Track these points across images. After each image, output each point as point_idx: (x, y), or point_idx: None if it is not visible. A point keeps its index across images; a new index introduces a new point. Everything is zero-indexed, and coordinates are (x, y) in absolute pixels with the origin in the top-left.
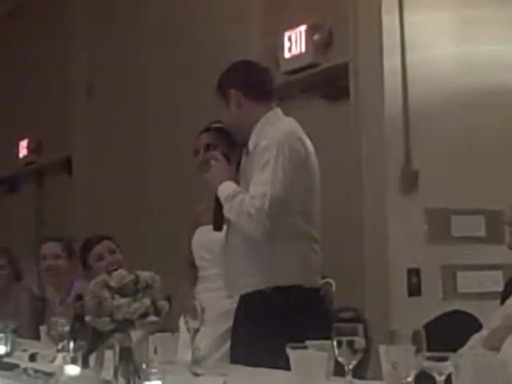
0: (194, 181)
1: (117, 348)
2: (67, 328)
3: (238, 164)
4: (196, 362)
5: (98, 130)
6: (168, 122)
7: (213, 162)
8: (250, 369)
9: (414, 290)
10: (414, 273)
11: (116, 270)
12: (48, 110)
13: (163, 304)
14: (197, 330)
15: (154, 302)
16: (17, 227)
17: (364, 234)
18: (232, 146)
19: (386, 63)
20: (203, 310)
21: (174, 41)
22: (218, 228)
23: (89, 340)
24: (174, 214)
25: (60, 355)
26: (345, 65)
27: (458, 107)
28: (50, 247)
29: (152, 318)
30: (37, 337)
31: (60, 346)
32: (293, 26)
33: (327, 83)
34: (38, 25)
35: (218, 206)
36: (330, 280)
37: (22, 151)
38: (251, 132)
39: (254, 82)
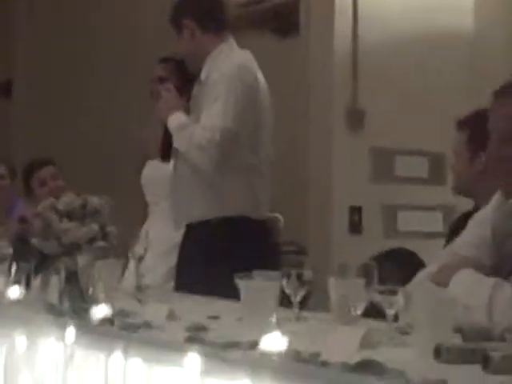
0: (140, 107)
1: (63, 272)
2: (8, 250)
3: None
4: (140, 289)
5: (39, 52)
6: (113, 41)
7: (163, 92)
8: (195, 297)
9: (356, 228)
10: (355, 210)
11: (58, 197)
12: None
13: (111, 230)
14: (141, 257)
15: (102, 228)
16: None
17: (309, 170)
18: (185, 78)
19: (338, 0)
20: (147, 234)
21: None
22: (165, 158)
23: (34, 263)
24: (119, 141)
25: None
26: (295, 0)
27: (406, 48)
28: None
29: (100, 243)
30: None
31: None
32: None
33: (277, 18)
34: None
35: (166, 137)
36: (278, 214)
37: None
38: (204, 62)
39: (208, 12)
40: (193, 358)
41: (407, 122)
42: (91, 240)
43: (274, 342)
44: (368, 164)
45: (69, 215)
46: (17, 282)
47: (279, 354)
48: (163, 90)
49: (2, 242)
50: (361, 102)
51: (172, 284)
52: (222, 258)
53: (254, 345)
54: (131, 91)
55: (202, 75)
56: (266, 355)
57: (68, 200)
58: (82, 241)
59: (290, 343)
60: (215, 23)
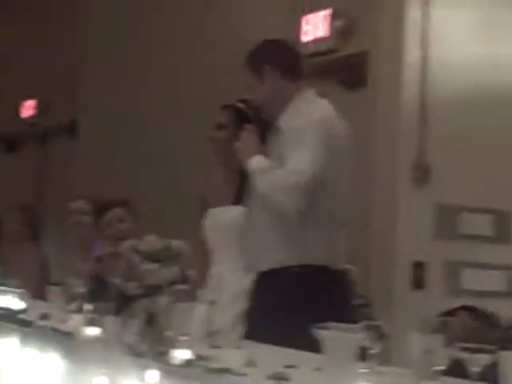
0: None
1: (142, 314)
2: (82, 289)
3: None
4: (211, 334)
5: (105, 93)
6: (176, 83)
7: (244, 133)
8: (267, 346)
9: (418, 284)
10: (419, 266)
11: (123, 239)
12: (56, 71)
13: (191, 273)
14: (214, 302)
15: (182, 271)
16: (15, 188)
17: (373, 224)
18: (242, 126)
19: (407, 55)
20: (219, 281)
21: (192, 14)
22: (237, 202)
23: (114, 303)
24: (186, 179)
25: (74, 316)
26: (365, 53)
27: (475, 105)
28: (78, 204)
29: (180, 286)
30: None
31: (73, 306)
32: (315, 9)
33: (345, 70)
34: None
35: (242, 180)
36: (351, 266)
37: (27, 111)
38: (283, 110)
39: (289, 60)
40: None
41: (473, 179)
42: (172, 283)
43: None
44: (432, 220)
45: (150, 257)
46: (92, 321)
47: None
48: (245, 131)
49: (79, 280)
50: (427, 156)
51: (239, 331)
52: (300, 307)
53: None
54: (194, 136)
55: (282, 123)
56: None
57: (150, 242)
58: (162, 283)
59: None
60: (295, 72)
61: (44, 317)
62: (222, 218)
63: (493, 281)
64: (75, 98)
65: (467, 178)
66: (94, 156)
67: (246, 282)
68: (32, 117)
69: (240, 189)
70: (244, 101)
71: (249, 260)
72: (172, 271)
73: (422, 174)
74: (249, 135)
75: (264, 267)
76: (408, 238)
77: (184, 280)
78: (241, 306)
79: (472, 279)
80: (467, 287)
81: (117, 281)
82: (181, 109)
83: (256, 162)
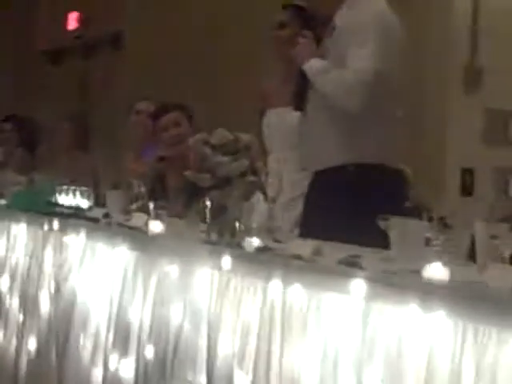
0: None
1: (213, 205)
2: (143, 188)
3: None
4: (271, 231)
5: (150, 4)
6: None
7: (301, 38)
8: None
9: (467, 190)
10: (467, 173)
11: (176, 143)
12: None
13: (260, 165)
14: (274, 200)
15: (251, 163)
16: (60, 100)
17: (423, 129)
18: (304, 26)
19: None
20: (281, 178)
21: None
22: (299, 108)
23: (186, 195)
24: (239, 89)
25: (138, 214)
26: None
27: None
28: (144, 104)
29: (250, 177)
30: None
31: (134, 205)
32: None
33: None
34: None
35: (302, 85)
36: (406, 167)
37: (71, 24)
38: (338, 7)
39: None
40: (357, 283)
41: None
42: (242, 174)
43: (437, 271)
44: (482, 125)
45: (221, 150)
46: (157, 217)
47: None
48: (300, 36)
49: (139, 180)
50: (479, 60)
51: (297, 230)
52: (357, 204)
53: (416, 272)
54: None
55: (338, 20)
56: (435, 281)
57: (220, 135)
58: (234, 175)
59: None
60: None
61: (107, 216)
62: (280, 119)
63: None
64: (119, 9)
65: None
66: (139, 67)
67: (304, 184)
68: (76, 29)
69: (299, 89)
70: (284, 6)
71: (307, 159)
72: (242, 163)
73: (473, 77)
74: (305, 40)
75: (322, 166)
76: (458, 144)
77: (254, 172)
78: (299, 207)
79: None
80: None
81: (188, 173)
82: (232, 11)
83: (313, 65)
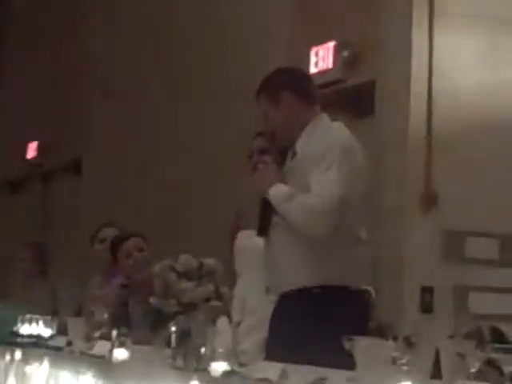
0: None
1: (177, 330)
2: (106, 315)
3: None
4: (236, 354)
5: (110, 132)
6: (185, 123)
7: (260, 165)
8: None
9: (427, 308)
10: (427, 291)
11: (143, 268)
12: (59, 112)
13: (225, 290)
14: (239, 323)
15: (216, 288)
16: (22, 229)
17: (381, 250)
18: (281, 148)
19: (413, 85)
20: (244, 302)
21: (199, 45)
22: (263, 234)
23: (151, 321)
24: (196, 213)
25: (100, 342)
26: (371, 83)
27: (480, 133)
28: (109, 231)
29: (214, 302)
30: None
31: (97, 333)
32: (321, 41)
33: (352, 100)
34: (52, 24)
35: (265, 212)
36: (369, 288)
37: (31, 153)
38: (299, 135)
39: (305, 85)
40: None
41: (479, 204)
42: (207, 299)
43: None
44: (440, 245)
45: (186, 275)
46: (122, 343)
47: None
48: (260, 163)
49: (102, 308)
50: (434, 183)
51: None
52: (322, 326)
53: None
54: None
55: (299, 148)
56: None
57: (185, 261)
58: (199, 300)
59: None
60: (311, 95)
61: (70, 344)
62: (250, 241)
63: (501, 304)
64: (78, 137)
65: (473, 203)
66: (98, 192)
67: (271, 307)
68: (35, 157)
69: (262, 215)
70: (260, 134)
71: (271, 282)
72: (206, 288)
73: (428, 200)
74: (266, 167)
75: (286, 288)
76: (416, 263)
77: (218, 296)
78: (265, 330)
79: (480, 303)
80: (475, 311)
81: (153, 300)
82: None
83: (277, 191)
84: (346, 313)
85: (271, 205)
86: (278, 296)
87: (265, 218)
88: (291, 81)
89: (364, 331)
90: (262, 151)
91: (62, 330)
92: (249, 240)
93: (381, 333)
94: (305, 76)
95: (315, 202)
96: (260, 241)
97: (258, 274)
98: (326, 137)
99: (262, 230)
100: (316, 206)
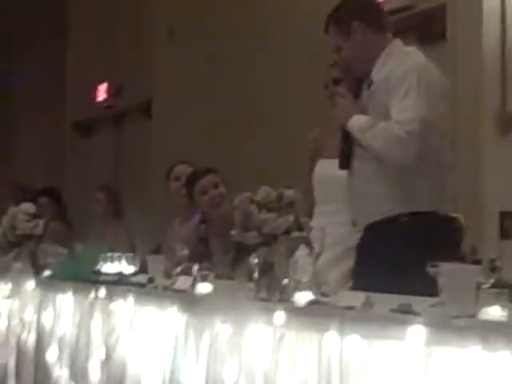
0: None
1: (260, 262)
2: (186, 251)
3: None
4: (317, 285)
5: (178, 74)
6: (250, 62)
7: (338, 98)
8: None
9: (507, 233)
10: (506, 216)
11: (218, 204)
12: (128, 53)
13: (306, 220)
14: (319, 255)
15: (296, 219)
16: (95, 171)
17: (458, 175)
18: (357, 79)
19: (485, 5)
20: (324, 232)
21: None
22: (345, 166)
23: (233, 254)
24: (260, 158)
25: (182, 277)
26: (442, 7)
27: None
28: (183, 169)
29: (295, 233)
30: None
31: (178, 269)
32: None
33: (423, 25)
34: None
35: (346, 144)
36: (458, 215)
37: (101, 95)
38: (373, 64)
39: (375, 14)
40: (416, 329)
41: None
42: (287, 231)
43: (495, 313)
44: None
45: (267, 207)
46: (203, 278)
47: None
48: (337, 96)
49: (181, 244)
50: (510, 104)
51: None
52: (412, 255)
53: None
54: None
55: (374, 76)
56: (497, 322)
57: (265, 193)
58: (279, 231)
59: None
60: (382, 24)
61: (151, 280)
62: (331, 171)
63: None
64: (148, 78)
65: None
66: (169, 135)
67: (354, 237)
68: (106, 100)
69: (344, 148)
70: (333, 64)
71: (357, 212)
72: (287, 220)
73: (506, 123)
74: (342, 100)
75: (373, 218)
76: (495, 187)
77: (299, 227)
78: (349, 262)
79: None
80: None
81: (234, 232)
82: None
83: (356, 122)
84: (436, 239)
85: (352, 137)
86: (365, 226)
87: (346, 150)
88: (361, 11)
89: (456, 256)
90: (337, 81)
91: (142, 268)
92: (329, 169)
93: (473, 259)
94: (374, 4)
95: (396, 129)
96: (341, 171)
97: (340, 204)
98: (400, 62)
99: (344, 164)
100: (398, 133)
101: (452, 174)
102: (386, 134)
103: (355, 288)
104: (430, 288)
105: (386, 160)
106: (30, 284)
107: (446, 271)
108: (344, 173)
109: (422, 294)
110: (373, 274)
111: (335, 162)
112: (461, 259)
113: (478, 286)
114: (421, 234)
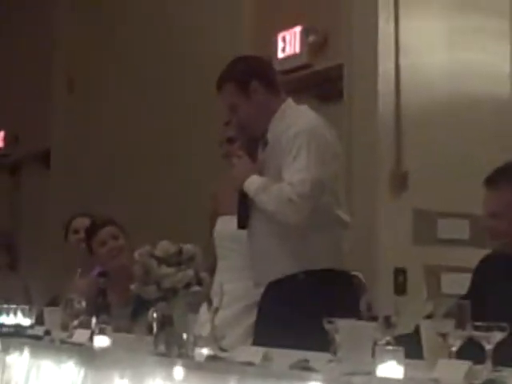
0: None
1: (158, 316)
2: (83, 304)
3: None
4: (216, 339)
5: (77, 123)
6: (151, 114)
7: (235, 160)
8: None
9: (401, 289)
10: (400, 272)
11: (117, 255)
12: (27, 102)
13: (205, 275)
14: (217, 309)
15: (196, 273)
16: None
17: (353, 232)
18: (252, 138)
19: (380, 66)
20: (222, 287)
21: (159, 35)
22: (243, 226)
23: (133, 307)
24: (170, 205)
25: (80, 330)
26: (339, 67)
27: (448, 112)
28: (82, 221)
29: (195, 287)
30: None
31: (76, 322)
32: (287, 26)
33: (321, 84)
34: (18, 15)
35: (243, 204)
36: (358, 273)
37: None
38: (268, 124)
39: (271, 74)
40: None
41: (449, 185)
42: (187, 285)
43: (391, 370)
44: (411, 226)
45: (166, 261)
46: (102, 331)
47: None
48: (234, 158)
49: (79, 297)
50: (404, 164)
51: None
52: (310, 312)
53: (369, 373)
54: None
55: (269, 136)
56: (394, 380)
57: (165, 247)
58: (179, 285)
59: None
60: (276, 83)
61: (48, 333)
62: (231, 227)
63: None
64: (46, 127)
65: (443, 183)
66: (67, 185)
67: (256, 293)
68: (2, 148)
69: (241, 208)
70: (228, 123)
71: (255, 272)
72: (187, 274)
73: (399, 181)
74: (239, 161)
75: (273, 276)
76: (388, 245)
77: (199, 282)
78: (251, 318)
79: (452, 283)
80: (447, 291)
81: (134, 286)
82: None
83: (252, 184)
84: (333, 295)
85: (249, 197)
86: (266, 285)
87: (244, 210)
88: (259, 70)
89: (354, 312)
90: (231, 140)
91: (39, 320)
92: (229, 226)
93: (368, 316)
94: (269, 64)
95: (288, 192)
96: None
97: (242, 260)
98: (292, 122)
99: (243, 223)
100: (289, 195)
101: (347, 231)
102: (278, 197)
103: (257, 343)
104: (328, 344)
105: (279, 221)
106: None
107: (342, 328)
108: (238, 230)
109: (322, 350)
110: (273, 331)
111: (235, 219)
112: (357, 316)
113: (375, 343)
114: (319, 292)
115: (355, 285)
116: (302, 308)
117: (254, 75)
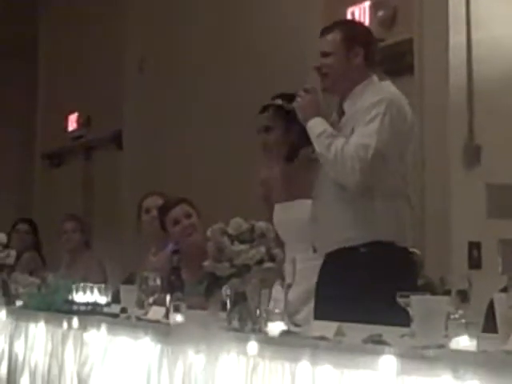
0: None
1: (232, 293)
2: (158, 282)
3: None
4: (289, 315)
5: (148, 105)
6: (220, 95)
7: (301, 93)
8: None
9: (475, 263)
10: (474, 246)
11: (190, 234)
12: (98, 83)
13: (277, 252)
14: (290, 285)
15: (268, 250)
16: (64, 202)
17: (426, 207)
18: (288, 126)
19: (451, 39)
20: (294, 263)
21: (229, 16)
22: (290, 159)
23: (206, 284)
24: (233, 185)
25: (155, 307)
26: (409, 41)
27: None
28: (153, 201)
29: (267, 264)
30: None
31: (151, 299)
32: (357, 1)
33: (391, 59)
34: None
35: (298, 139)
36: (415, 249)
37: (71, 125)
38: (348, 92)
39: (373, 49)
40: (387, 359)
41: None
42: (260, 261)
43: (464, 343)
44: (485, 199)
45: (239, 238)
46: (176, 309)
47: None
48: (302, 91)
49: (154, 274)
50: (477, 137)
51: (310, 306)
52: (370, 285)
53: (442, 347)
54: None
55: (346, 107)
56: (467, 352)
57: (237, 224)
58: (252, 262)
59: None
60: (372, 57)
61: (124, 310)
62: (287, 214)
63: None
64: (118, 108)
65: None
66: (139, 166)
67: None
68: (76, 130)
69: (296, 143)
70: (281, 96)
71: (318, 238)
72: (259, 251)
73: (472, 155)
74: (308, 95)
75: (334, 246)
76: (462, 219)
77: (271, 258)
78: (311, 281)
79: None
80: None
81: (207, 263)
82: (223, 112)
83: (318, 125)
84: (394, 270)
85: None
86: (324, 255)
87: (297, 143)
88: (369, 40)
89: (413, 287)
90: (266, 129)
91: (114, 298)
92: (286, 213)
93: (431, 290)
94: (375, 41)
95: (350, 149)
96: (299, 214)
97: (303, 243)
98: (374, 95)
99: (290, 157)
100: (351, 155)
101: (414, 210)
102: (339, 151)
103: (317, 314)
104: (395, 318)
105: (332, 175)
106: (2, 314)
107: (416, 302)
108: (302, 214)
109: (388, 324)
110: (332, 305)
111: (289, 206)
112: (431, 290)
113: (448, 316)
114: (381, 265)
115: (414, 261)
116: (363, 280)
117: (363, 42)
